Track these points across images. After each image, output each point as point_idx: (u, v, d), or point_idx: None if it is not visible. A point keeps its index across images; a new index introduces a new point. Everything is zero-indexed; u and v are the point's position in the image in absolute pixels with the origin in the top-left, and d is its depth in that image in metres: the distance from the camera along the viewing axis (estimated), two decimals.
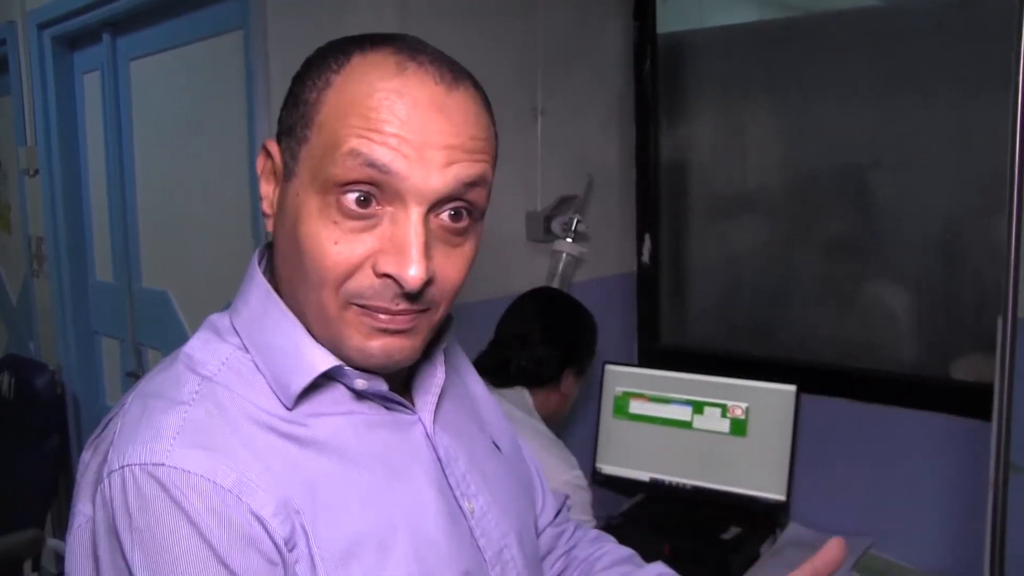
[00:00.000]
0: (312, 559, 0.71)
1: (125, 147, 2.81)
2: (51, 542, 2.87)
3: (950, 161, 2.09)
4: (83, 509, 0.75)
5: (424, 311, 0.77)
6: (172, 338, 2.69)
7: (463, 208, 0.76)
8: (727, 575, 1.93)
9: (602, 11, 2.40)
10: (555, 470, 1.62)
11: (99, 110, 2.90)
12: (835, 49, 2.24)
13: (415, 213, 0.73)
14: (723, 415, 2.19)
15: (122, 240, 2.87)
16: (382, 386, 0.80)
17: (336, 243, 0.73)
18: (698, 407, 2.22)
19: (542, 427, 1.74)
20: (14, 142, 3.27)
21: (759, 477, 2.13)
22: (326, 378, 0.78)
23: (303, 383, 0.76)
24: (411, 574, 0.76)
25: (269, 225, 0.80)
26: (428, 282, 0.74)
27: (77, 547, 0.75)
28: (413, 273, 0.72)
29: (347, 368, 0.78)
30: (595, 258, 2.34)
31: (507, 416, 1.62)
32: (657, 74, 2.46)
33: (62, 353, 3.17)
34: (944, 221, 2.12)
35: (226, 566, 0.67)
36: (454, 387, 0.93)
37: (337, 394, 0.80)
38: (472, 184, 0.75)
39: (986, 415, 1.39)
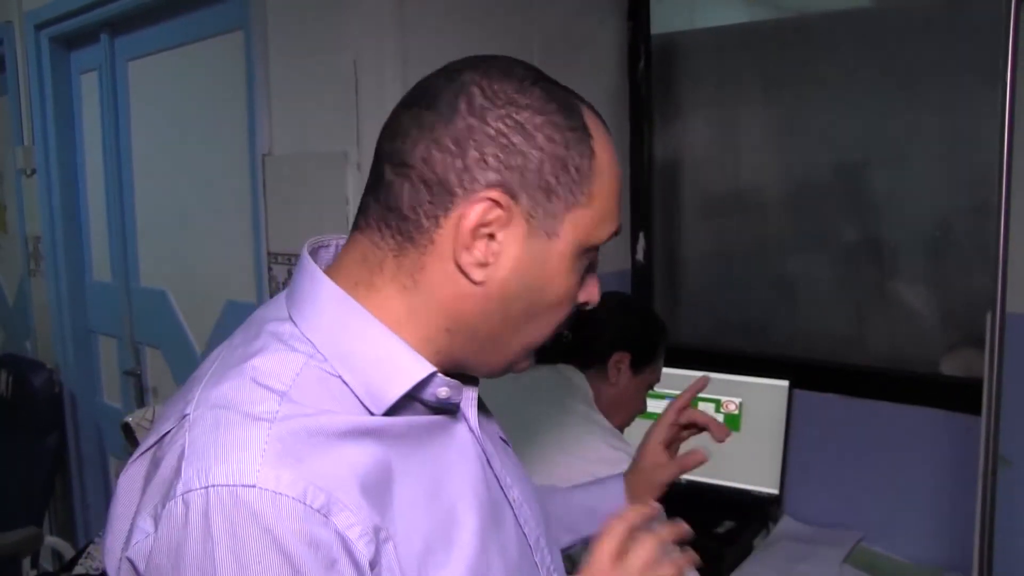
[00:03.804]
0: (393, 570, 0.71)
1: (123, 147, 2.82)
2: (49, 540, 2.88)
3: (940, 159, 2.11)
4: (143, 526, 0.70)
5: None
6: (171, 337, 2.71)
7: None
8: (721, 568, 1.94)
9: (596, 11, 2.41)
10: (620, 464, 1.49)
11: (97, 110, 2.91)
12: (826, 49, 2.26)
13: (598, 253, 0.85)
14: (717, 410, 2.21)
15: (120, 240, 2.88)
16: (460, 395, 0.84)
17: (575, 291, 0.84)
18: (692, 402, 2.24)
19: (599, 418, 1.65)
20: (11, 141, 3.27)
21: (752, 471, 2.16)
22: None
23: (401, 391, 0.77)
24: (477, 564, 0.77)
25: (480, 275, 0.78)
26: None
27: (138, 563, 0.70)
28: (597, 299, 0.88)
29: (439, 376, 0.80)
30: None
31: (563, 408, 1.62)
32: (651, 74, 2.47)
33: (59, 352, 3.18)
34: (934, 218, 2.14)
35: None
36: None
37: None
38: None
39: (976, 409, 1.40)
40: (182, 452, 0.69)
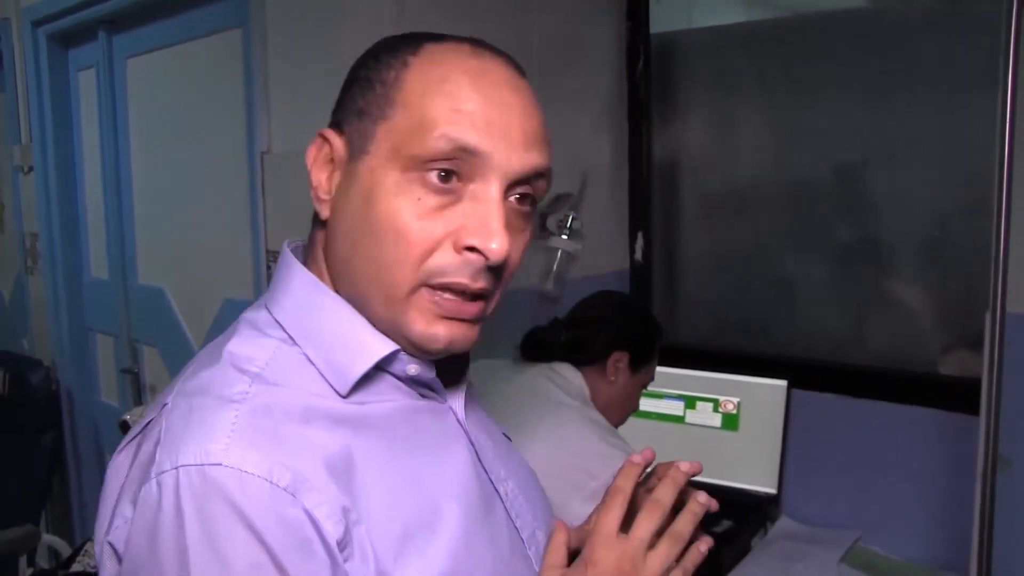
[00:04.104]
0: (365, 553, 0.71)
1: (121, 144, 2.82)
2: (46, 538, 2.88)
3: (939, 159, 2.11)
4: (124, 511, 0.71)
5: (487, 298, 0.79)
6: (168, 334, 2.70)
7: (528, 194, 0.79)
8: (719, 568, 1.95)
9: (595, 11, 2.41)
10: (615, 459, 1.47)
11: (95, 107, 2.91)
12: (824, 49, 2.26)
13: (495, 189, 0.75)
14: (715, 410, 2.21)
15: (118, 237, 2.88)
16: (431, 373, 0.82)
17: (419, 219, 0.74)
18: (690, 402, 2.25)
19: (596, 415, 1.65)
20: (8, 139, 3.27)
21: (750, 471, 2.16)
22: (375, 367, 0.78)
23: (363, 369, 0.77)
24: (460, 555, 0.77)
25: (325, 211, 0.79)
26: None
27: (118, 546, 0.72)
28: (497, 245, 0.74)
29: (403, 353, 0.79)
30: (588, 256, 2.36)
31: (560, 405, 1.63)
32: (650, 73, 2.48)
33: (56, 350, 3.17)
34: (932, 218, 2.14)
35: (282, 570, 0.66)
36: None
37: (382, 382, 0.80)
38: (542, 173, 0.79)
39: (974, 410, 1.40)
40: (159, 438, 0.71)
